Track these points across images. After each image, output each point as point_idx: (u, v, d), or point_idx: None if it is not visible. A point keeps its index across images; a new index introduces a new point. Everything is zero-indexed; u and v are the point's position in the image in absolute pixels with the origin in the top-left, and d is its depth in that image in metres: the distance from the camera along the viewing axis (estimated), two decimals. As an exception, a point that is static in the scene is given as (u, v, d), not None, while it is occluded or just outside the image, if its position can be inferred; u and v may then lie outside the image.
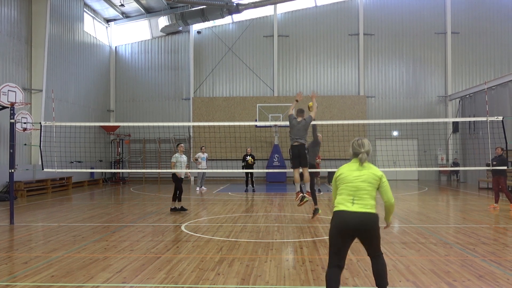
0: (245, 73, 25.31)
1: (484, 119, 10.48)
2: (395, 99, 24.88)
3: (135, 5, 23.79)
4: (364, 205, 3.88)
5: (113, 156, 24.59)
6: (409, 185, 21.18)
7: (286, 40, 25.21)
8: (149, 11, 24.95)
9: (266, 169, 20.94)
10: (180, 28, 24.78)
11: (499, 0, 24.67)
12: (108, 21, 25.54)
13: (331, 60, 25.14)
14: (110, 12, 24.62)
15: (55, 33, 19.73)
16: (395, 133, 23.54)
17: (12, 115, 9.82)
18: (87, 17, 23.38)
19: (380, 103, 24.88)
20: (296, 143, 9.01)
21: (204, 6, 21.79)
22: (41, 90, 18.05)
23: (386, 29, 24.95)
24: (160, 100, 25.62)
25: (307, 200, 9.24)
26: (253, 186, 18.04)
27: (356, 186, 3.94)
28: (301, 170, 9.12)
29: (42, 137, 11.15)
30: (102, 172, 23.31)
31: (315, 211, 9.72)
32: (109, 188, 20.46)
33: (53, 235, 8.17)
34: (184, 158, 11.47)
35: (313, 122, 9.40)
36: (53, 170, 10.85)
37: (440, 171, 24.16)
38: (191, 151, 23.36)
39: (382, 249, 4.33)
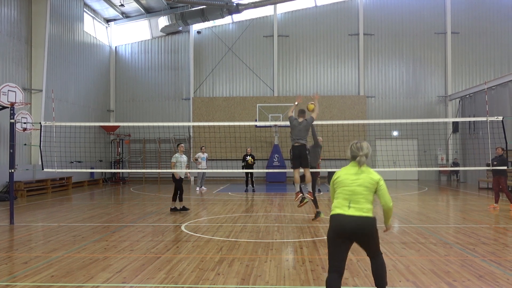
0: (245, 73, 25.31)
1: (484, 119, 10.47)
2: (395, 99, 24.88)
3: (135, 5, 23.79)
4: (360, 209, 3.86)
5: (113, 156, 24.59)
6: (409, 185, 21.19)
7: (286, 40, 25.21)
8: (149, 11, 24.95)
9: (266, 169, 20.94)
10: (180, 28, 24.78)
11: (499, 0, 24.67)
12: (108, 21, 25.55)
13: (331, 60, 25.14)
14: (110, 12, 24.63)
15: (55, 33, 19.73)
16: (395, 133, 23.54)
17: (12, 115, 9.82)
18: (87, 17, 23.38)
19: (380, 103, 24.88)
20: (297, 144, 9.02)
21: (204, 6, 21.79)
22: (41, 90, 18.05)
23: (386, 29, 24.95)
24: (160, 100, 25.62)
25: (307, 202, 9.29)
26: (253, 186, 18.04)
27: (353, 190, 3.92)
28: (301, 170, 9.12)
29: (42, 137, 11.15)
30: (102, 172, 23.31)
31: (317, 215, 9.69)
32: (109, 188, 20.47)
33: (53, 235, 8.18)
34: (184, 158, 11.48)
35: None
36: (53, 170, 10.85)
37: (440, 171, 24.16)
38: (191, 151, 23.36)
39: (382, 249, 4.34)
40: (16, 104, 11.01)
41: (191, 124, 24.07)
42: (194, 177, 22.61)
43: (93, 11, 23.99)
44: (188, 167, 12.55)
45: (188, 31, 25.27)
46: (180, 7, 23.43)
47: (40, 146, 10.89)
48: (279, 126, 22.12)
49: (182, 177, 11.45)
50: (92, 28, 23.85)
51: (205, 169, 17.23)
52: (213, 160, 21.12)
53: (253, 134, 22.45)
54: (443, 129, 23.74)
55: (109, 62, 25.65)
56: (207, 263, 5.99)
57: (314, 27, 25.14)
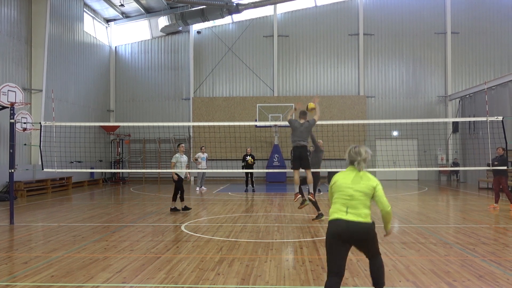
0: (245, 73, 25.31)
1: (484, 119, 10.48)
2: (395, 99, 24.88)
3: (135, 5, 23.79)
4: (358, 215, 3.86)
5: (113, 156, 24.59)
6: (409, 185, 21.18)
7: (286, 40, 25.21)
8: (149, 11, 24.95)
9: (266, 169, 20.94)
10: (180, 28, 24.78)
11: (499, 0, 24.67)
12: (108, 21, 25.55)
13: (331, 60, 25.14)
14: (110, 12, 24.63)
15: (55, 33, 19.73)
16: (395, 133, 23.54)
17: (12, 115, 9.82)
18: (87, 17, 23.38)
19: (380, 103, 24.88)
20: (297, 145, 9.05)
21: (204, 6, 21.79)
22: (41, 90, 18.05)
23: (386, 29, 24.95)
24: (160, 100, 25.62)
25: (307, 204, 9.33)
26: (253, 186, 18.04)
27: (350, 195, 3.91)
28: (302, 170, 9.15)
29: (42, 137, 11.15)
30: (102, 172, 23.31)
31: (319, 216, 9.69)
32: (109, 188, 20.46)
33: (53, 235, 8.18)
34: (184, 158, 11.49)
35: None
36: (53, 170, 10.85)
37: (440, 171, 24.16)
38: (191, 151, 23.35)
39: (382, 249, 4.34)
40: (16, 104, 11.02)
41: (191, 124, 24.07)
42: (194, 177, 22.60)
43: (93, 11, 23.99)
44: (188, 167, 12.56)
45: (188, 31, 25.27)
46: (180, 7, 23.44)
47: (40, 146, 10.90)
48: (279, 126, 22.12)
49: (182, 177, 11.46)
50: (92, 28, 23.85)
51: (205, 169, 17.24)
52: (213, 160, 21.13)
53: (253, 134, 22.46)
54: (443, 129, 23.74)
55: (109, 62, 25.65)
56: (207, 263, 5.99)
57: (314, 27, 25.14)
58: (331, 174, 18.95)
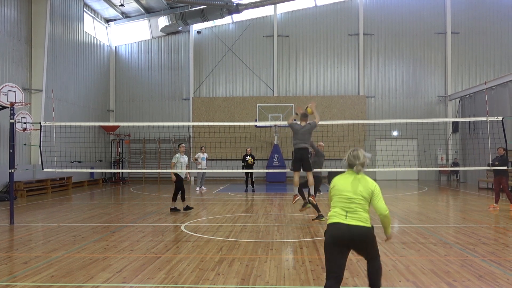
0: (245, 73, 25.31)
1: (484, 119, 10.48)
2: (395, 99, 24.88)
3: (135, 5, 23.79)
4: (357, 219, 3.87)
5: (113, 156, 24.59)
6: (409, 185, 21.18)
7: (286, 40, 25.21)
8: (149, 11, 24.95)
9: (266, 169, 20.94)
10: (180, 28, 24.78)
11: (499, 0, 24.67)
12: (108, 21, 25.54)
13: (331, 60, 25.14)
14: (110, 12, 24.63)
15: (55, 33, 19.73)
16: (395, 133, 23.54)
17: (12, 115, 9.82)
18: (87, 17, 23.38)
19: (380, 103, 24.88)
20: (299, 147, 9.08)
21: (204, 6, 21.79)
22: (41, 90, 18.05)
23: (386, 29, 24.95)
24: (160, 100, 25.62)
25: (308, 207, 9.41)
26: (253, 186, 18.05)
27: (349, 199, 3.93)
28: (302, 171, 9.19)
29: (42, 137, 11.16)
30: (102, 172, 23.31)
31: (319, 217, 9.69)
32: (109, 188, 20.46)
33: (53, 235, 8.18)
34: (185, 158, 11.50)
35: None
36: (53, 170, 10.85)
37: (440, 171, 24.16)
38: (191, 151, 23.35)
39: (382, 249, 4.34)
40: (16, 104, 11.02)
41: (191, 124, 24.07)
42: (194, 177, 22.61)
43: (93, 11, 23.99)
44: (188, 167, 12.57)
45: (188, 31, 25.27)
46: (180, 7, 23.44)
47: (40, 146, 10.90)
48: (279, 126, 22.12)
49: (183, 177, 11.47)
50: (92, 28, 23.85)
51: (205, 169, 17.24)
52: (213, 160, 21.13)
53: (253, 134, 22.47)
54: (443, 129, 23.74)
55: (109, 62, 25.65)
56: (207, 263, 5.99)
57: (314, 27, 25.14)
58: (331, 174, 18.97)
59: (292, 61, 25.22)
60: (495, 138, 11.40)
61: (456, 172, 23.68)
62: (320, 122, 9.61)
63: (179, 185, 11.32)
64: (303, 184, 9.70)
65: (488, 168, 11.74)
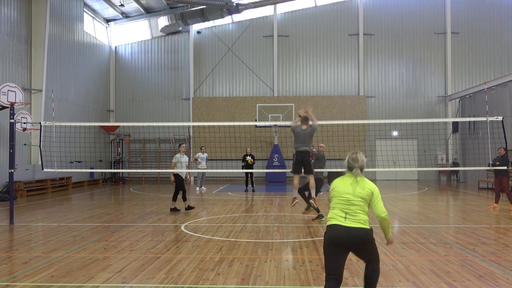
0: (245, 73, 25.31)
1: (484, 119, 10.48)
2: (395, 99, 24.88)
3: (135, 5, 23.79)
4: (357, 221, 3.88)
5: (113, 156, 24.58)
6: (409, 185, 21.18)
7: (286, 40, 25.21)
8: (149, 11, 24.95)
9: (266, 169, 20.95)
10: (180, 28, 24.78)
11: (499, 0, 24.68)
12: (108, 21, 25.54)
13: (331, 60, 25.14)
14: (110, 12, 24.62)
15: (55, 33, 19.73)
16: (395, 133, 23.54)
17: (12, 115, 9.82)
18: (87, 17, 23.38)
19: (380, 103, 24.88)
20: (300, 150, 9.10)
21: (204, 6, 21.79)
22: (41, 90, 18.05)
23: (386, 29, 24.95)
24: (160, 100, 25.62)
25: (311, 210, 9.56)
26: (253, 186, 18.05)
27: (349, 201, 3.95)
28: (303, 174, 9.23)
29: (42, 137, 11.15)
30: (102, 172, 23.31)
31: (319, 217, 9.70)
32: (109, 188, 20.46)
33: (53, 235, 8.17)
34: (185, 158, 11.50)
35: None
36: (53, 170, 10.86)
37: (440, 171, 24.16)
38: (191, 151, 23.36)
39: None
40: (16, 104, 11.02)
41: (191, 124, 24.07)
42: (194, 177, 22.61)
43: (93, 11, 23.99)
44: (188, 167, 12.57)
45: (188, 31, 25.27)
46: (180, 7, 23.44)
47: (40, 146, 10.90)
48: (279, 126, 22.13)
49: (184, 177, 11.47)
50: (92, 28, 23.85)
51: (205, 169, 17.24)
52: (213, 160, 21.13)
53: (253, 134, 22.48)
54: (443, 129, 23.74)
55: (109, 62, 25.65)
56: (207, 263, 5.99)
57: (314, 27, 25.14)
58: (331, 174, 18.98)
59: (292, 61, 25.22)
60: (495, 138, 11.41)
61: (456, 172, 23.68)
62: (320, 122, 9.64)
63: (180, 185, 11.32)
64: (305, 187, 9.72)
65: (488, 168, 11.75)
